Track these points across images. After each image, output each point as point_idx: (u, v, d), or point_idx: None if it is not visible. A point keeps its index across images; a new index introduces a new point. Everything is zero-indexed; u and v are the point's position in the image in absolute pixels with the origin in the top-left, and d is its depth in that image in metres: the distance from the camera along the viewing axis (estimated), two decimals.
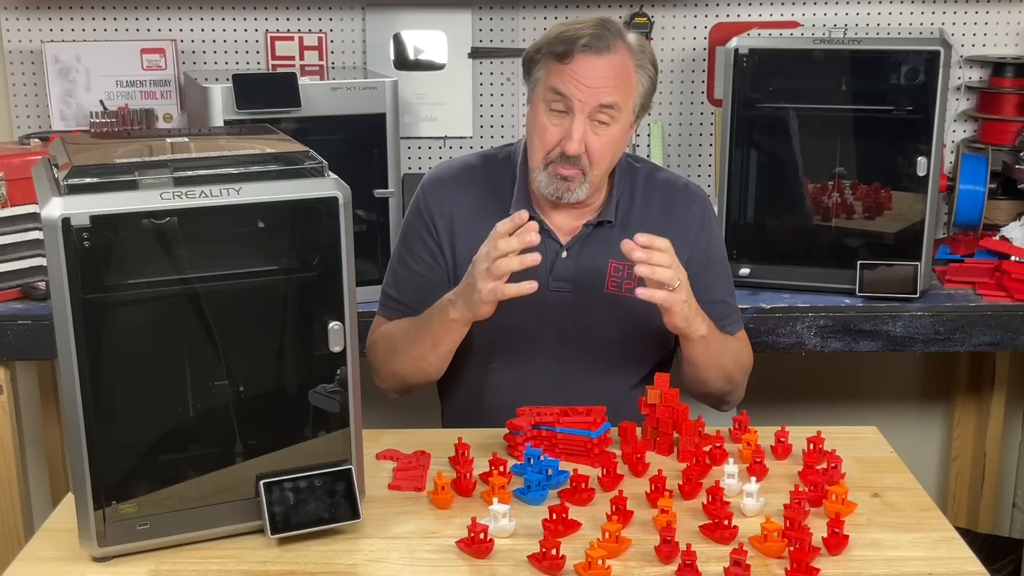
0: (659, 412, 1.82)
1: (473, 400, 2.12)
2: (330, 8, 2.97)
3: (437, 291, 2.07)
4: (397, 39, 3.00)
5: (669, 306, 1.85)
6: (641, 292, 1.83)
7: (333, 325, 1.54)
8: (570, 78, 1.92)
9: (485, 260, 1.82)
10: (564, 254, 2.05)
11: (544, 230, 2.05)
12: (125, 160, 1.50)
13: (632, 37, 1.98)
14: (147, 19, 2.95)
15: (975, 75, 3.02)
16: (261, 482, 1.54)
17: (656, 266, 1.80)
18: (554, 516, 1.57)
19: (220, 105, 2.42)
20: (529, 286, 1.80)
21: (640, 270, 1.80)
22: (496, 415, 1.93)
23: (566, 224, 2.07)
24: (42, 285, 2.49)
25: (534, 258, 1.79)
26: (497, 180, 2.10)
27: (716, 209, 2.64)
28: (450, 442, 1.79)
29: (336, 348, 1.54)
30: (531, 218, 2.04)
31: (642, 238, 1.82)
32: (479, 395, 2.10)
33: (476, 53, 3.01)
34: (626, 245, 1.81)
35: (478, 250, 1.85)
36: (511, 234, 1.81)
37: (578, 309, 2.04)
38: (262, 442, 1.56)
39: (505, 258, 1.80)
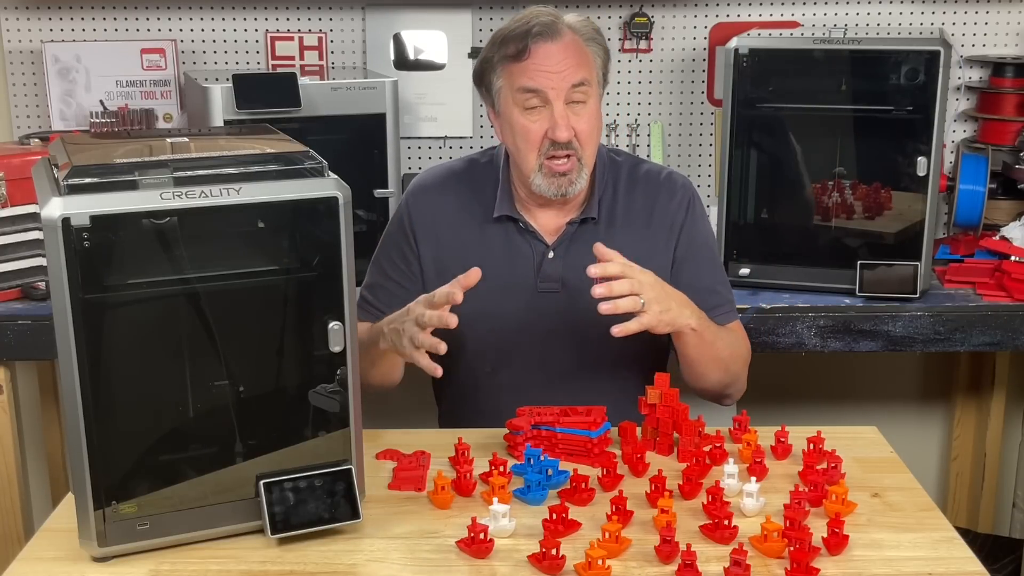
0: (659, 412, 1.82)
1: (467, 403, 2.11)
2: (330, 8, 2.97)
3: (409, 299, 2.07)
4: (397, 39, 3.00)
5: (646, 326, 1.82)
6: (617, 330, 1.78)
7: (333, 325, 1.54)
8: (535, 71, 1.92)
9: (412, 323, 1.80)
10: (551, 254, 2.05)
11: (529, 231, 2.06)
12: (125, 160, 1.50)
13: (570, 17, 1.98)
14: (147, 19, 2.95)
15: (975, 75, 3.02)
16: (261, 482, 1.54)
17: (618, 299, 1.78)
18: (554, 516, 1.57)
19: (220, 105, 2.43)
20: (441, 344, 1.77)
21: (604, 308, 1.77)
22: (491, 418, 1.93)
23: (551, 223, 2.07)
24: (42, 285, 2.49)
25: (450, 319, 1.75)
26: (480, 185, 2.10)
27: (716, 209, 2.65)
28: (450, 442, 1.79)
29: (336, 348, 1.54)
30: (515, 220, 2.06)
31: (594, 269, 1.78)
32: (473, 398, 2.10)
33: (476, 53, 3.01)
34: (591, 271, 1.78)
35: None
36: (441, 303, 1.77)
37: (568, 308, 2.04)
38: (262, 442, 1.56)
39: (423, 333, 1.77)
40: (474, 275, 1.78)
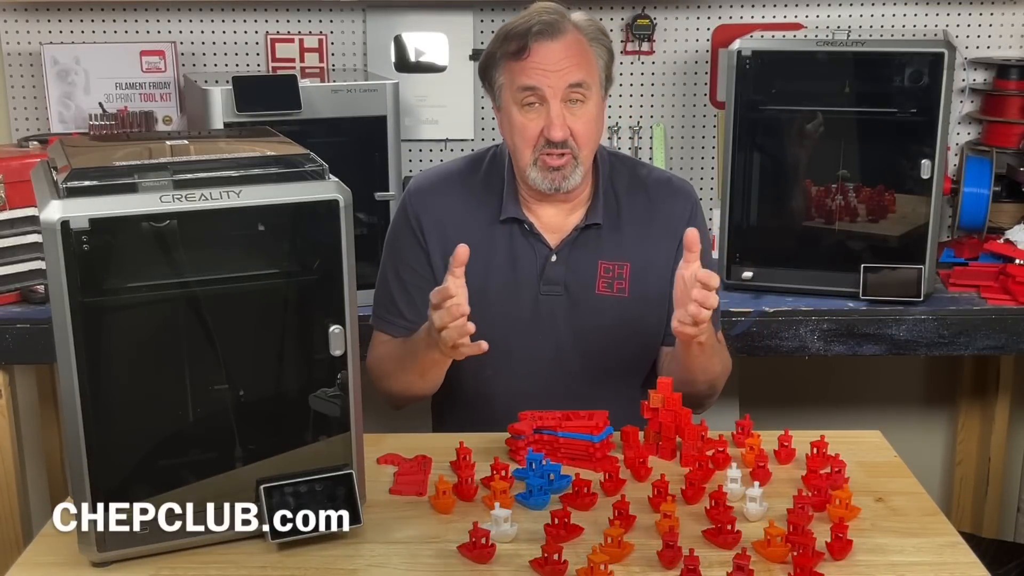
0: (662, 416, 1.81)
1: (466, 406, 2.10)
2: (331, 10, 2.97)
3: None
4: (398, 41, 2.99)
5: (697, 335, 1.81)
6: (677, 329, 1.79)
7: (334, 329, 1.53)
8: (533, 69, 1.93)
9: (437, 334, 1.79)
10: (554, 258, 2.04)
11: (534, 234, 2.05)
12: (124, 163, 1.50)
13: (576, 16, 1.99)
14: (147, 21, 2.95)
15: (979, 77, 3.01)
16: (261, 487, 1.53)
17: (707, 309, 1.76)
18: (556, 521, 1.56)
19: (220, 107, 2.42)
20: (479, 348, 1.77)
21: (691, 309, 1.75)
22: (491, 422, 1.92)
23: (554, 221, 2.05)
24: (41, 288, 2.49)
25: (463, 311, 1.75)
26: (485, 185, 2.09)
27: (719, 212, 2.64)
28: (451, 446, 1.78)
29: (337, 352, 1.53)
30: (520, 221, 2.05)
31: (702, 274, 1.75)
32: (472, 403, 2.09)
33: (478, 55, 3.00)
34: (694, 274, 1.76)
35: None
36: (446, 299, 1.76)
37: (570, 311, 2.04)
38: (262, 447, 1.55)
39: (447, 330, 1.76)
40: (462, 252, 1.76)
